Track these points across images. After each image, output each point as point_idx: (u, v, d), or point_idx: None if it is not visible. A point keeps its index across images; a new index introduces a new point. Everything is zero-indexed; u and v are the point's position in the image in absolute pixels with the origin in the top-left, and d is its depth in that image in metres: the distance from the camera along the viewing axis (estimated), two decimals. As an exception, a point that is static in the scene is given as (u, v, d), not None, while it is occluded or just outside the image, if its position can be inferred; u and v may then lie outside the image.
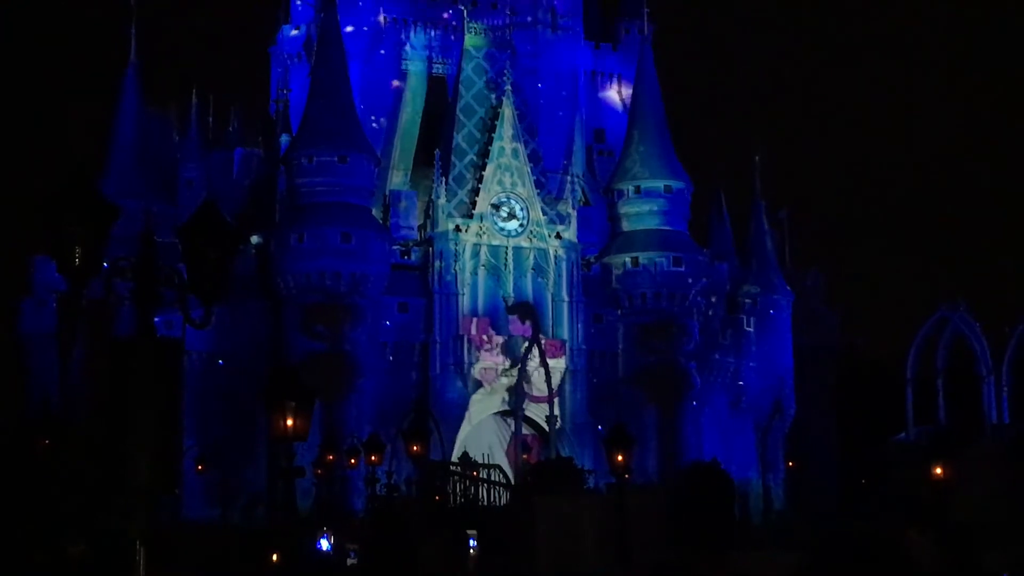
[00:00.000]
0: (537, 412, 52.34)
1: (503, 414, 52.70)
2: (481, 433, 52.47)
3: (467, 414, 52.29)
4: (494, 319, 52.96)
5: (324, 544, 35.52)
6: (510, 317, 52.81)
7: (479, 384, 52.46)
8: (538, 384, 52.02)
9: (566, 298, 54.02)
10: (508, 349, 52.60)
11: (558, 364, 52.89)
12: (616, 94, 61.63)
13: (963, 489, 39.07)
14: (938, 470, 38.36)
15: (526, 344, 52.09)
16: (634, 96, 58.95)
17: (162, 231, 55.97)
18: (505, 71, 54.54)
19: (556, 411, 51.82)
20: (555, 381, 52.30)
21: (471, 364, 52.38)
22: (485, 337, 52.35)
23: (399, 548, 32.00)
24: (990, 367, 47.48)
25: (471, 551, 35.37)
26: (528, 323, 52.58)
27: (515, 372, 51.57)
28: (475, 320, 52.41)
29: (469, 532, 35.63)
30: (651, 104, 57.90)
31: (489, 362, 52.63)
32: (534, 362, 52.04)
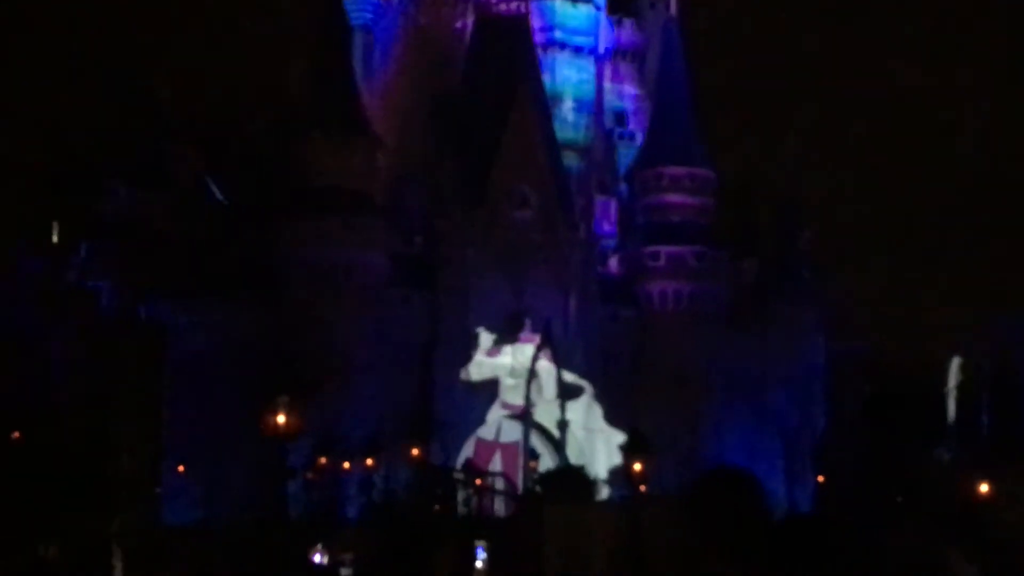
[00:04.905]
0: (547, 417, 52.29)
1: (511, 419, 52.59)
2: (487, 438, 52.39)
3: (472, 418, 52.22)
4: (504, 316, 52.86)
5: (318, 558, 35.59)
6: (523, 315, 52.81)
7: (486, 385, 52.40)
8: (549, 387, 51.98)
9: (581, 295, 53.92)
10: (518, 349, 52.56)
11: (571, 365, 52.77)
12: (639, 74, 61.50)
13: (1004, 509, 38.96)
14: (981, 488, 38.22)
15: (538, 344, 52.03)
16: (659, 76, 58.93)
17: (155, 215, 55.72)
18: (521, 45, 54.49)
19: (568, 416, 51.74)
20: (569, 379, 52.24)
21: (478, 364, 52.32)
22: (494, 335, 52.36)
23: (407, 560, 32.03)
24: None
25: (479, 564, 35.50)
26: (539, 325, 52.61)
27: (525, 374, 51.49)
28: (484, 316, 52.33)
29: (477, 543, 35.80)
30: (677, 86, 57.97)
31: (498, 361, 52.57)
32: (545, 363, 51.96)
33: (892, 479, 56.27)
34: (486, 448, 51.95)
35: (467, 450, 51.49)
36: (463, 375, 51.98)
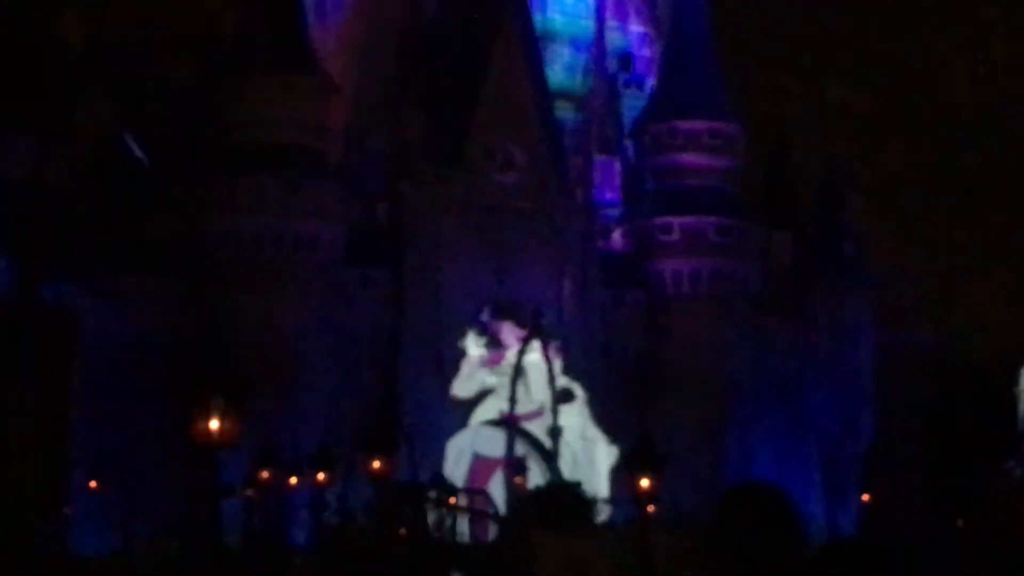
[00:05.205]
0: (537, 423, 52.47)
1: (493, 424, 52.78)
2: (464, 448, 52.56)
3: (447, 424, 52.37)
4: (483, 300, 53.03)
5: None
6: (507, 301, 52.98)
7: (463, 385, 52.56)
8: (538, 386, 52.12)
9: (579, 275, 54.09)
10: (501, 340, 52.73)
11: (567, 361, 52.94)
12: (649, 8, 61.72)
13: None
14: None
15: (525, 335, 52.18)
16: (673, 11, 59.13)
17: (62, 177, 55.56)
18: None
19: (561, 422, 51.91)
20: (560, 383, 52.38)
21: (453, 359, 52.46)
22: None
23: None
24: None
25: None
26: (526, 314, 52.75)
27: (508, 371, 51.64)
28: (460, 301, 52.45)
29: (452, 574, 36.08)
30: (695, 22, 58.20)
31: (476, 356, 52.74)
32: (534, 359, 52.09)
33: (953, 498, 56.66)
34: (485, 467, 51.91)
35: (459, 467, 51.36)
36: (452, 392, 52.08)
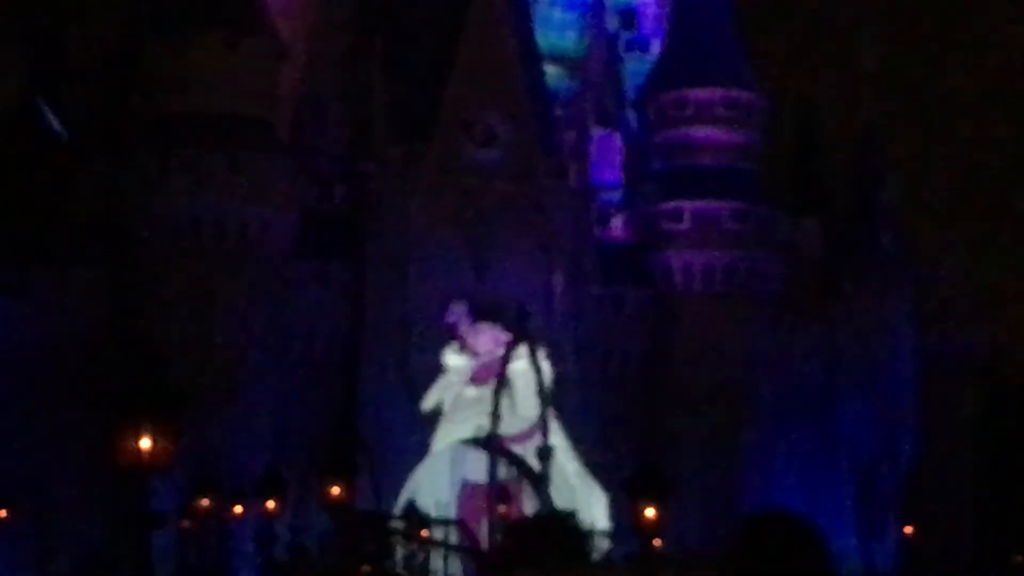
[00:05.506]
0: (528, 445, 52.37)
1: (472, 443, 52.73)
2: (437, 472, 52.51)
3: (417, 443, 52.30)
4: (459, 299, 52.95)
5: None
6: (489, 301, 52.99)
7: (435, 398, 52.49)
8: (524, 402, 52.08)
9: (572, 269, 54.02)
10: (479, 347, 52.68)
11: (559, 370, 52.87)
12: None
13: None
14: None
15: (509, 339, 52.15)
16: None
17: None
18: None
19: (553, 441, 51.87)
20: (550, 396, 52.30)
21: (424, 368, 52.35)
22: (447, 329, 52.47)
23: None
24: None
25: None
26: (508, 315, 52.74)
27: (490, 382, 51.58)
28: (431, 300, 52.36)
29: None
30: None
31: (452, 364, 52.68)
32: (521, 367, 52.05)
33: (1008, 530, 56.71)
34: (477, 495, 51.63)
35: (432, 494, 51.24)
36: (423, 405, 51.94)
